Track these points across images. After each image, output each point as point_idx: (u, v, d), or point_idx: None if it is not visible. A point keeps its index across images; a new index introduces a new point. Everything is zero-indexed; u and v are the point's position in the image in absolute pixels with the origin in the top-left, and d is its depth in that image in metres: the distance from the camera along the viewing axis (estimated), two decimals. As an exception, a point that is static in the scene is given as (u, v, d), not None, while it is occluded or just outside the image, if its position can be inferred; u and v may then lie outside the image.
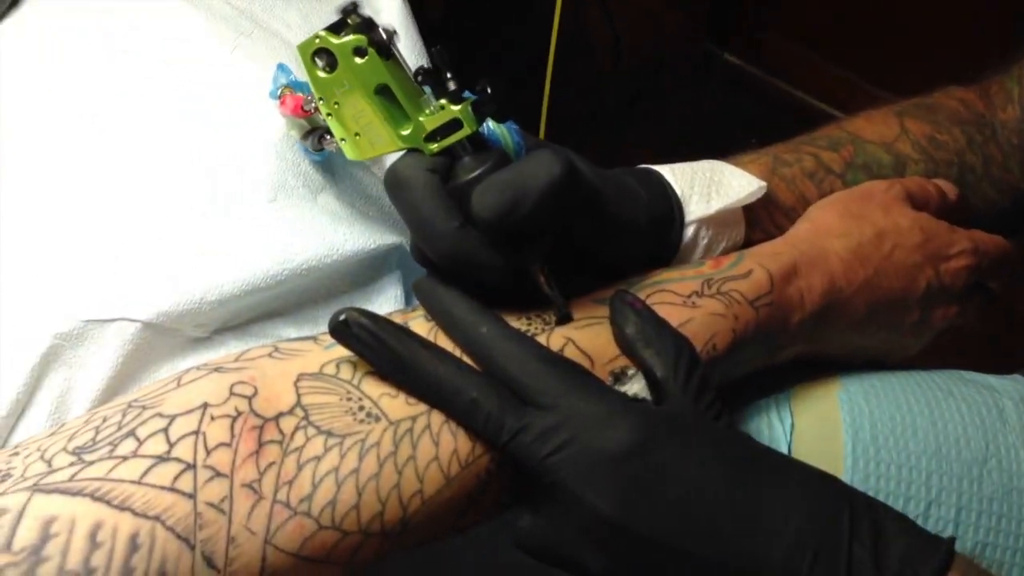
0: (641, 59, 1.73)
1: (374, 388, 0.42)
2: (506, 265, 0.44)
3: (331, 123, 0.47)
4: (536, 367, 0.41)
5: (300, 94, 0.53)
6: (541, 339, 0.44)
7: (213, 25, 0.61)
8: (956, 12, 1.56)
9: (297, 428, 0.40)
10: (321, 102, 0.47)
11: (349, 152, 0.47)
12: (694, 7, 1.88)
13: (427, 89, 0.45)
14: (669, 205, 0.51)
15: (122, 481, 0.37)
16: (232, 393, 0.40)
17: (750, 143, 0.61)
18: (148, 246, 0.51)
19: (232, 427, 0.39)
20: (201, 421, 0.39)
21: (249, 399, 0.40)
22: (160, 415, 0.39)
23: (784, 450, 0.49)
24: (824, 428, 0.49)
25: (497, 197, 0.42)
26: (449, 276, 0.45)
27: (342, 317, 0.41)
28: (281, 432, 0.40)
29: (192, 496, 0.37)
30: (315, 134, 0.54)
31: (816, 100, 1.80)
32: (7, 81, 0.58)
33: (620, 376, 0.44)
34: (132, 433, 0.39)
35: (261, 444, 0.39)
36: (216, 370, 0.42)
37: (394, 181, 0.45)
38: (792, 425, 0.49)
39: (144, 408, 0.40)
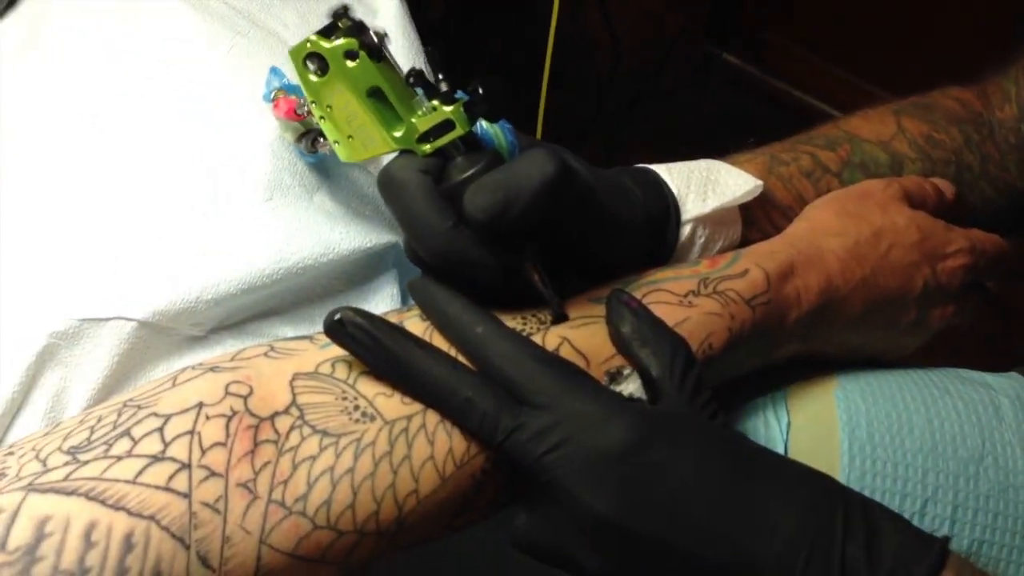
0: (641, 60, 1.73)
1: (369, 387, 0.42)
2: (499, 265, 0.44)
3: (324, 126, 0.47)
4: (531, 367, 0.41)
5: (293, 97, 0.53)
6: (536, 339, 0.44)
7: (210, 25, 0.61)
8: (956, 13, 1.56)
9: (292, 427, 0.40)
10: (314, 105, 0.47)
11: (343, 154, 0.48)
12: (694, 8, 1.88)
13: (419, 90, 0.45)
14: (665, 204, 0.51)
15: (117, 481, 0.37)
16: (227, 392, 0.40)
17: (748, 143, 0.61)
18: (148, 246, 0.51)
19: (227, 426, 0.39)
20: (196, 421, 0.39)
21: (244, 398, 0.40)
22: (155, 415, 0.39)
23: (780, 449, 0.48)
24: (820, 426, 0.49)
25: (489, 198, 0.42)
26: (443, 276, 0.45)
27: (337, 316, 0.41)
28: (276, 432, 0.40)
29: (187, 496, 0.37)
30: (309, 137, 0.55)
31: (816, 100, 1.80)
32: (7, 81, 0.58)
33: (616, 375, 0.44)
34: (127, 433, 0.39)
35: (256, 444, 0.39)
36: (212, 369, 0.42)
37: (387, 182, 0.45)
38: (788, 424, 0.49)
39: (139, 408, 0.40)
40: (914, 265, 0.52)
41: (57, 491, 0.36)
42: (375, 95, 0.45)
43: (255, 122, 0.56)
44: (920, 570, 0.37)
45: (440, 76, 0.44)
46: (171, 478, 0.37)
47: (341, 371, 0.42)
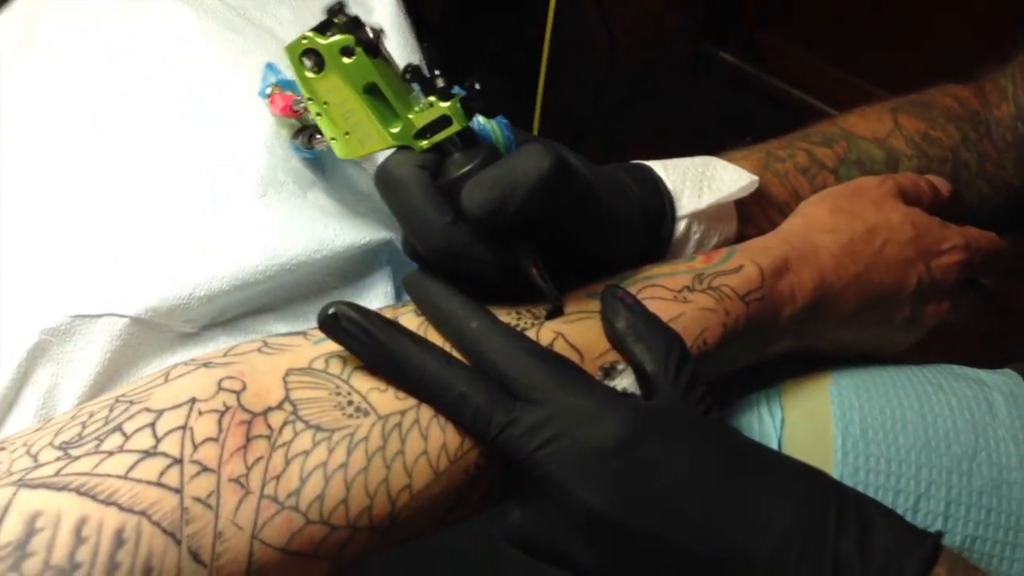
0: (638, 59, 1.73)
1: (363, 383, 0.42)
2: (496, 260, 0.44)
3: (321, 122, 0.47)
4: (525, 361, 0.41)
5: (289, 93, 0.53)
6: (531, 333, 0.44)
7: (206, 23, 0.61)
8: (955, 13, 1.56)
9: (285, 423, 0.40)
10: (310, 102, 0.47)
11: (339, 151, 0.47)
12: (691, 7, 1.88)
13: (416, 86, 0.45)
14: (661, 200, 0.51)
15: (108, 476, 0.37)
16: (220, 388, 0.40)
17: (744, 140, 0.61)
18: (146, 245, 0.51)
19: (220, 422, 0.39)
20: (189, 416, 0.39)
21: (237, 394, 0.40)
22: (147, 410, 0.39)
23: (775, 444, 0.48)
24: (814, 422, 0.48)
25: (486, 193, 0.42)
26: (440, 271, 0.45)
27: (332, 310, 0.41)
28: (269, 427, 0.40)
29: (179, 491, 0.37)
30: (305, 133, 0.55)
31: (814, 99, 1.80)
32: (4, 79, 0.58)
33: (610, 371, 0.44)
34: (119, 428, 0.38)
35: (249, 439, 0.39)
36: (204, 365, 0.42)
37: (384, 178, 0.45)
38: (783, 419, 0.49)
39: (131, 403, 0.40)
40: (908, 261, 0.52)
41: (48, 486, 0.36)
42: (372, 91, 0.45)
43: (252, 120, 0.56)
44: (913, 565, 0.37)
45: (436, 72, 0.44)
46: (163, 473, 0.37)
47: (335, 367, 0.42)
